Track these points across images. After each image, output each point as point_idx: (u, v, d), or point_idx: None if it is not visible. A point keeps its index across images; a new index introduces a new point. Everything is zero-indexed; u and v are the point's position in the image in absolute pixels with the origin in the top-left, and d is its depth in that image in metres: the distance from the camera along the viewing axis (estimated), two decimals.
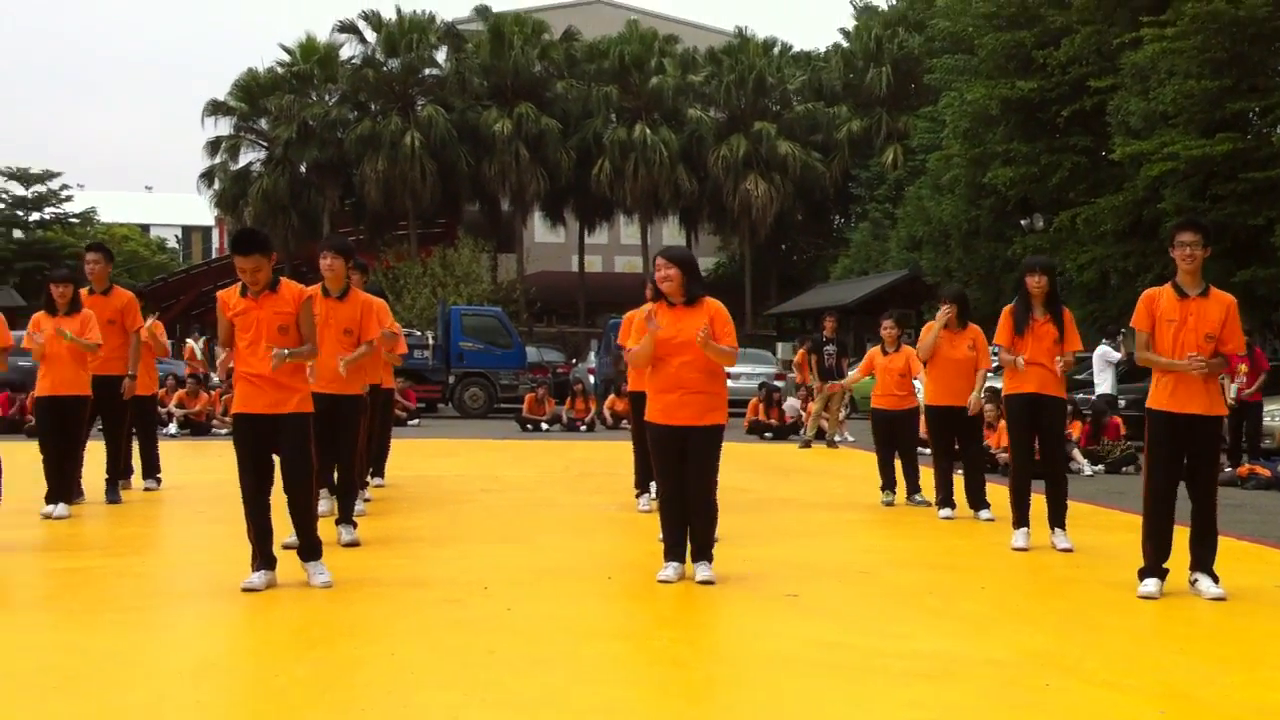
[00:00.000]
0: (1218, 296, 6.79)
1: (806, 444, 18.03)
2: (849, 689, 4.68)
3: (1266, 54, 22.36)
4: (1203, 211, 22.11)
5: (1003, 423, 14.61)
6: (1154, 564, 6.69)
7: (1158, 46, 22.07)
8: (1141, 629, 5.95)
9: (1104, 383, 16.98)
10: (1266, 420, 15.09)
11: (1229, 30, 21.07)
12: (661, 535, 7.02)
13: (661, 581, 6.73)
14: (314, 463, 6.63)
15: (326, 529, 7.16)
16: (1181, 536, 6.75)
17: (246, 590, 6.33)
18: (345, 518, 8.02)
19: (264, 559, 6.48)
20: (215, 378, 17.55)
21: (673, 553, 6.89)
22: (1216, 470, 6.95)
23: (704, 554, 6.89)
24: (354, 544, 7.86)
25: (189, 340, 24.75)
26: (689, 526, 6.89)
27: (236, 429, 6.53)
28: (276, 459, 6.54)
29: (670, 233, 53.90)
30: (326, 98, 47.05)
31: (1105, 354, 17.36)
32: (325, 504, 7.92)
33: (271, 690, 4.66)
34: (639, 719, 4.27)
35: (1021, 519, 8.37)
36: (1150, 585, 6.62)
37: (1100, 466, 14.71)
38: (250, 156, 47.69)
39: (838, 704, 4.47)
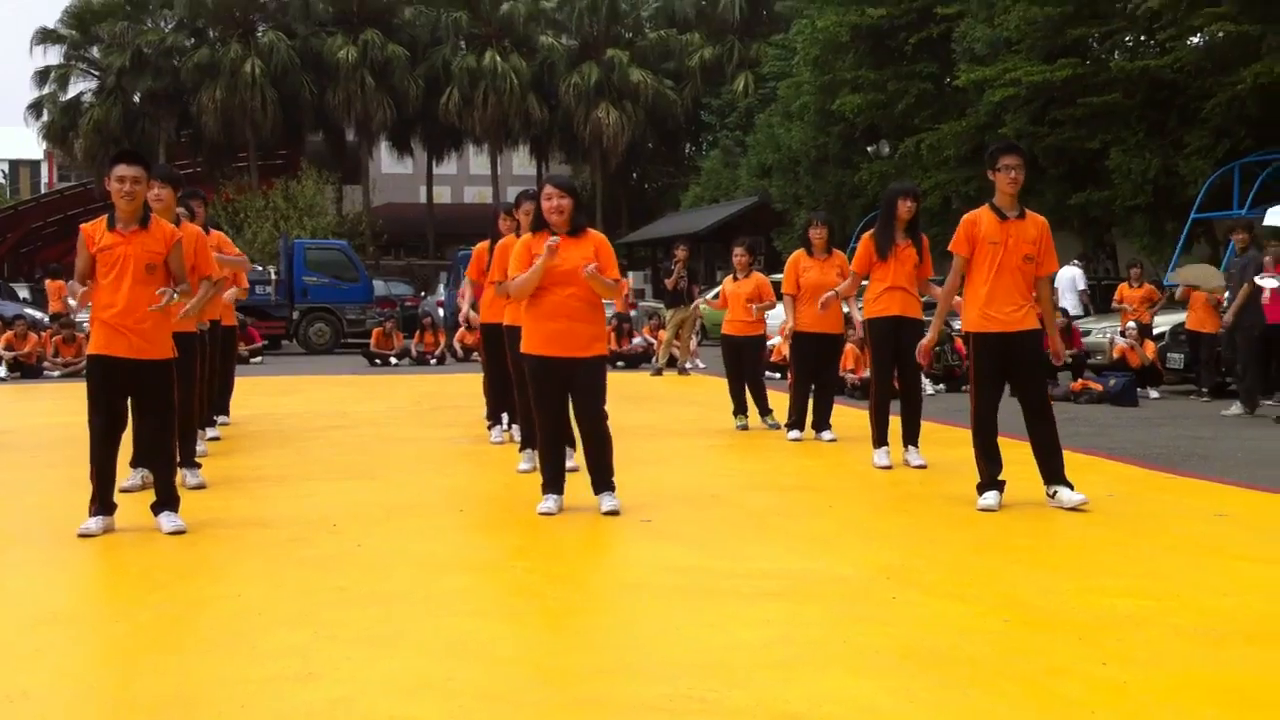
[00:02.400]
0: (1033, 218, 6.95)
1: (658, 371, 18.14)
2: (701, 610, 4.71)
3: None
4: (1041, 136, 22.73)
5: (849, 346, 14.90)
6: (989, 477, 6.88)
7: None
8: (983, 541, 6.11)
9: (1070, 305, 17.59)
10: (1096, 337, 15.64)
11: None
12: (540, 467, 6.89)
13: (542, 514, 6.64)
14: (175, 409, 6.47)
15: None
16: (1019, 450, 6.96)
17: (83, 536, 6.09)
18: (188, 461, 7.76)
19: (103, 504, 6.25)
20: (73, 305, 16.57)
21: (552, 484, 6.79)
22: (1043, 383, 7.18)
23: (604, 484, 6.80)
24: (200, 486, 7.63)
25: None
26: (587, 459, 6.84)
27: (92, 370, 6.26)
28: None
29: (521, 162, 53.44)
30: (163, 24, 45.28)
31: (1075, 278, 18.05)
32: (138, 478, 7.47)
33: (113, 637, 4.52)
34: (492, 650, 4.22)
35: (882, 438, 8.53)
36: (989, 498, 6.82)
37: (942, 385, 15.11)
38: (81, 86, 45.82)
39: (690, 625, 4.50)
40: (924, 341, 7.52)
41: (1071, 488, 6.81)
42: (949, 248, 7.04)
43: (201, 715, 3.63)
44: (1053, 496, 6.88)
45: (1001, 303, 6.77)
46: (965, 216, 7.04)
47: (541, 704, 3.70)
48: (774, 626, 4.46)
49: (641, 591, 5.10)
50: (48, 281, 24.92)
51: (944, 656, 4.11)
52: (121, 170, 6.18)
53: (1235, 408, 12.38)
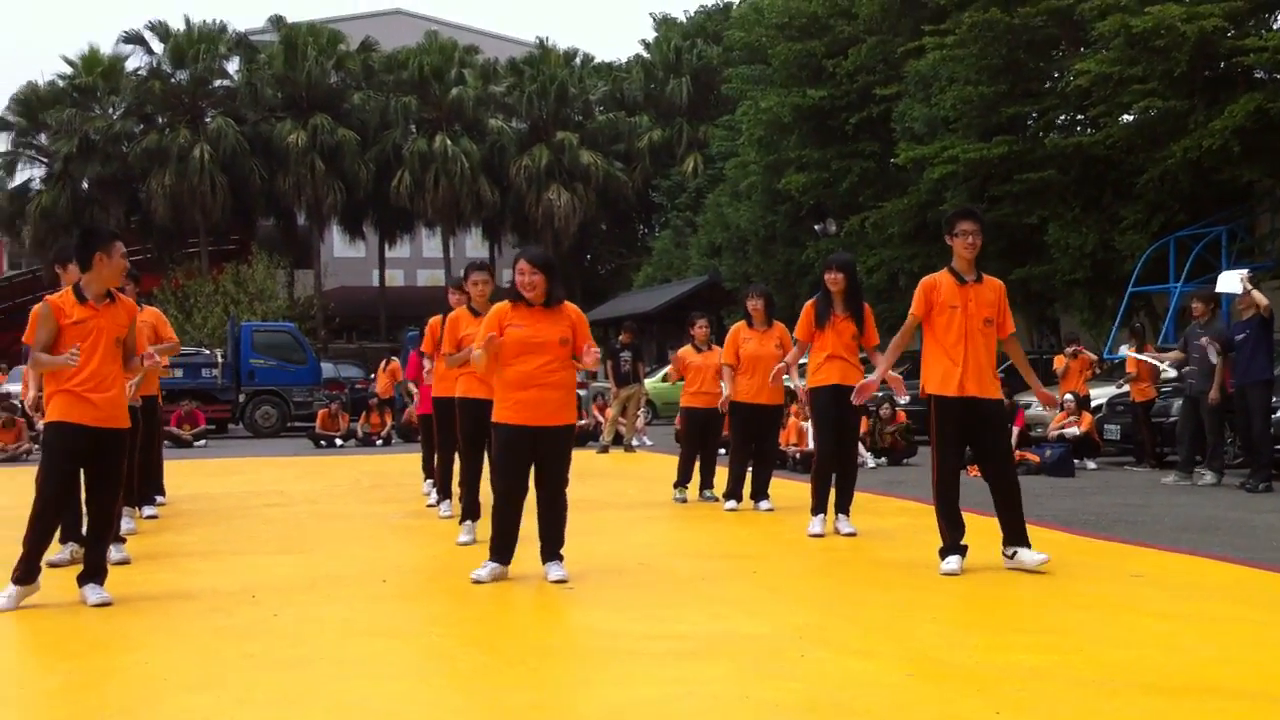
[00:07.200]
0: (990, 282, 7.05)
1: (604, 449, 18.13)
2: (614, 671, 4.72)
3: (1040, 60, 23.58)
4: (981, 212, 23.10)
5: (793, 420, 15.02)
6: (951, 541, 6.89)
7: (939, 54, 23.06)
8: (901, 602, 6.13)
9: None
10: (1036, 409, 15.81)
11: (1005, 38, 22.16)
12: (492, 535, 6.82)
13: (475, 581, 6.63)
14: (124, 480, 6.56)
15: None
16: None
17: None
18: (114, 536, 7.68)
19: (27, 572, 6.18)
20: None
21: (500, 553, 6.75)
22: (1008, 447, 7.22)
23: (554, 553, 6.81)
24: (124, 561, 7.54)
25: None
26: (542, 526, 6.82)
27: (52, 439, 6.31)
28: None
29: (473, 244, 53.67)
30: (111, 111, 45.29)
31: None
32: (67, 553, 7.39)
33: (16, 703, 4.47)
34: (395, 712, 4.20)
35: (820, 506, 8.52)
36: (952, 563, 6.81)
37: (883, 459, 15.21)
38: (29, 173, 45.71)
39: (601, 684, 4.51)
40: (865, 382, 7.53)
41: (1030, 547, 6.85)
42: (911, 311, 7.12)
43: None
44: (1011, 557, 6.89)
45: (967, 368, 6.82)
46: (924, 280, 7.13)
47: None
48: (678, 683, 4.48)
49: (552, 654, 5.11)
50: None
51: (842, 708, 4.13)
52: (123, 248, 6.48)
53: (1174, 476, 12.55)
